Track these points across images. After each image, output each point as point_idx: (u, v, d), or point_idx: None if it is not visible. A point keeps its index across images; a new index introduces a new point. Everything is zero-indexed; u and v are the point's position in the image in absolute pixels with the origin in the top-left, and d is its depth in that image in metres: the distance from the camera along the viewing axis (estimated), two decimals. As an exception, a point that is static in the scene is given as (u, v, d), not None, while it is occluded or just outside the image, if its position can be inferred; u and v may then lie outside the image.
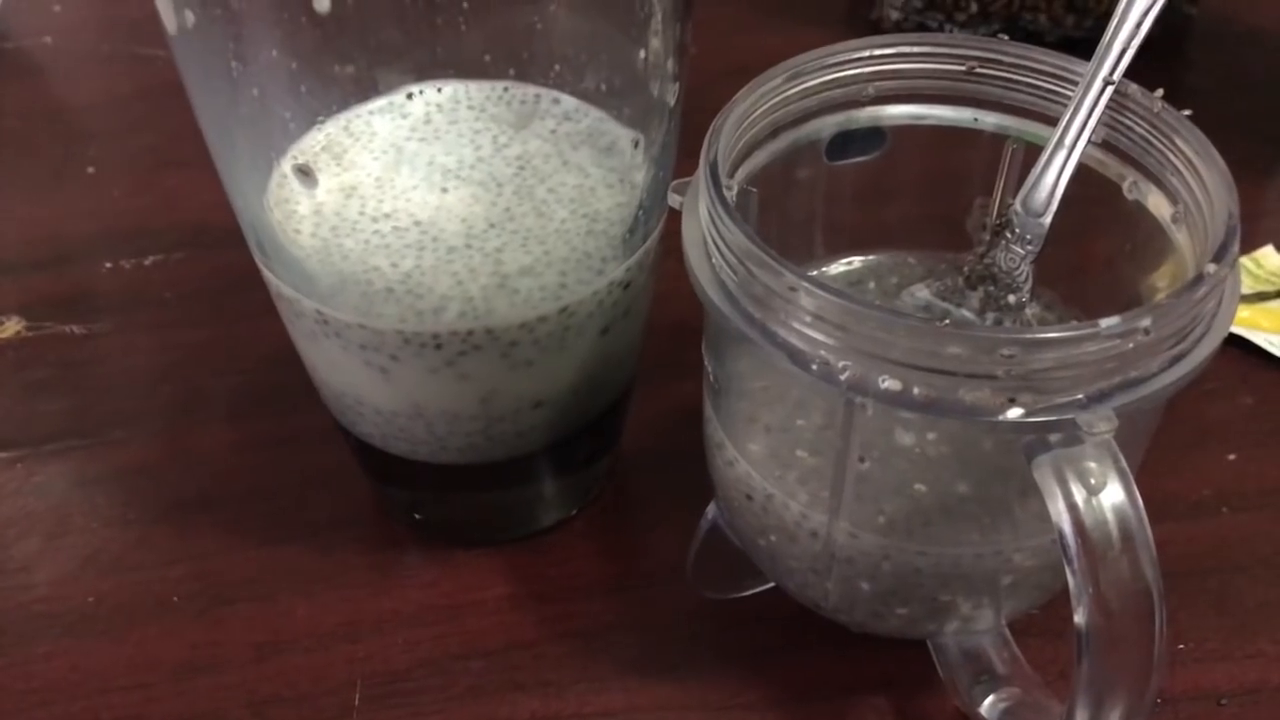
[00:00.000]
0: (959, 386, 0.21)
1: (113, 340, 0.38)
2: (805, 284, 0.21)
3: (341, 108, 0.29)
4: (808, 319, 0.22)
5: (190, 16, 0.25)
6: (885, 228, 0.31)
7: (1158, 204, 0.26)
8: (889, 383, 0.21)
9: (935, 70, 0.28)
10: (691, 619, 0.30)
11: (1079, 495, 0.21)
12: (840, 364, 0.22)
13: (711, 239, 0.24)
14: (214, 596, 0.31)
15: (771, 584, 0.29)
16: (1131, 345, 0.21)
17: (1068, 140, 0.26)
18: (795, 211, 0.30)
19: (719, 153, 0.24)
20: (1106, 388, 0.21)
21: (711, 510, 0.29)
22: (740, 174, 0.26)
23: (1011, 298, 0.28)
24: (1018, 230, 0.27)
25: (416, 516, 0.32)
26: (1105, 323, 0.21)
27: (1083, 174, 0.27)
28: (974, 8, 0.47)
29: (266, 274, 0.27)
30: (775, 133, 0.27)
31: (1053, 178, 0.26)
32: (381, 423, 0.28)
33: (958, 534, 0.25)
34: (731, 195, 0.24)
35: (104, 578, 0.31)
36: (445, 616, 0.30)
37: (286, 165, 0.28)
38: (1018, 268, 0.27)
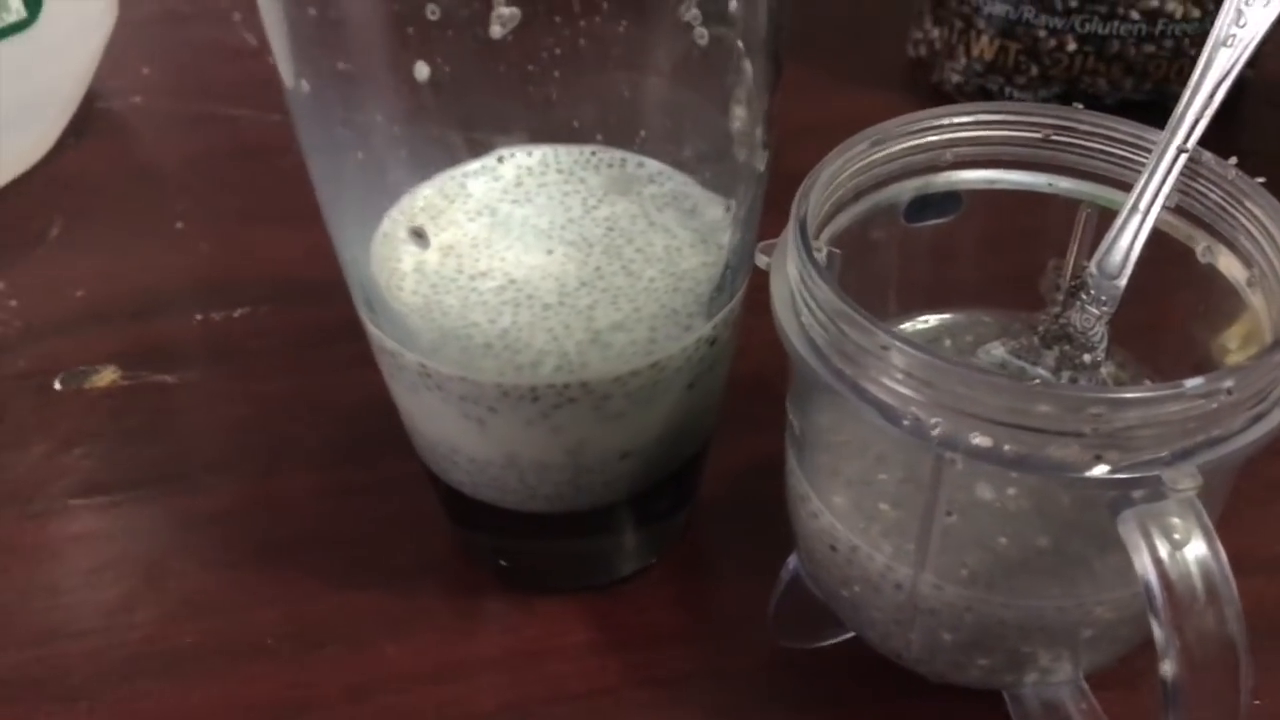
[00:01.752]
0: (1047, 443, 0.22)
1: (203, 389, 0.39)
2: (897, 343, 0.22)
3: (438, 170, 0.31)
4: (899, 376, 0.23)
5: (304, 83, 0.27)
6: (959, 288, 0.32)
7: (1230, 267, 0.27)
8: (979, 439, 0.22)
9: (1012, 137, 0.29)
10: (770, 668, 0.31)
11: (1164, 550, 0.22)
12: (931, 420, 0.22)
13: (802, 298, 0.25)
14: (306, 639, 0.32)
15: (849, 634, 0.30)
16: (1215, 405, 0.22)
17: (1142, 205, 0.27)
18: (872, 271, 0.31)
19: (808, 215, 0.25)
20: (1190, 446, 0.22)
21: (792, 561, 0.30)
22: (824, 235, 0.28)
23: (1087, 357, 0.29)
24: (1093, 292, 0.28)
25: (501, 563, 0.33)
26: (1190, 383, 0.21)
27: (1156, 237, 0.28)
28: (1034, 71, 0.49)
29: (371, 329, 0.29)
30: (857, 196, 0.28)
31: (1127, 241, 0.27)
32: (474, 471, 0.30)
33: (1041, 586, 0.25)
34: (821, 256, 0.25)
35: (201, 619, 0.33)
36: (528, 662, 0.31)
37: (387, 224, 0.30)
38: (1093, 328, 0.28)
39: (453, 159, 0.31)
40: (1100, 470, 0.22)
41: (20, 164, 0.48)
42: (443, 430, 0.29)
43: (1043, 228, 0.30)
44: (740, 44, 0.27)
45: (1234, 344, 0.29)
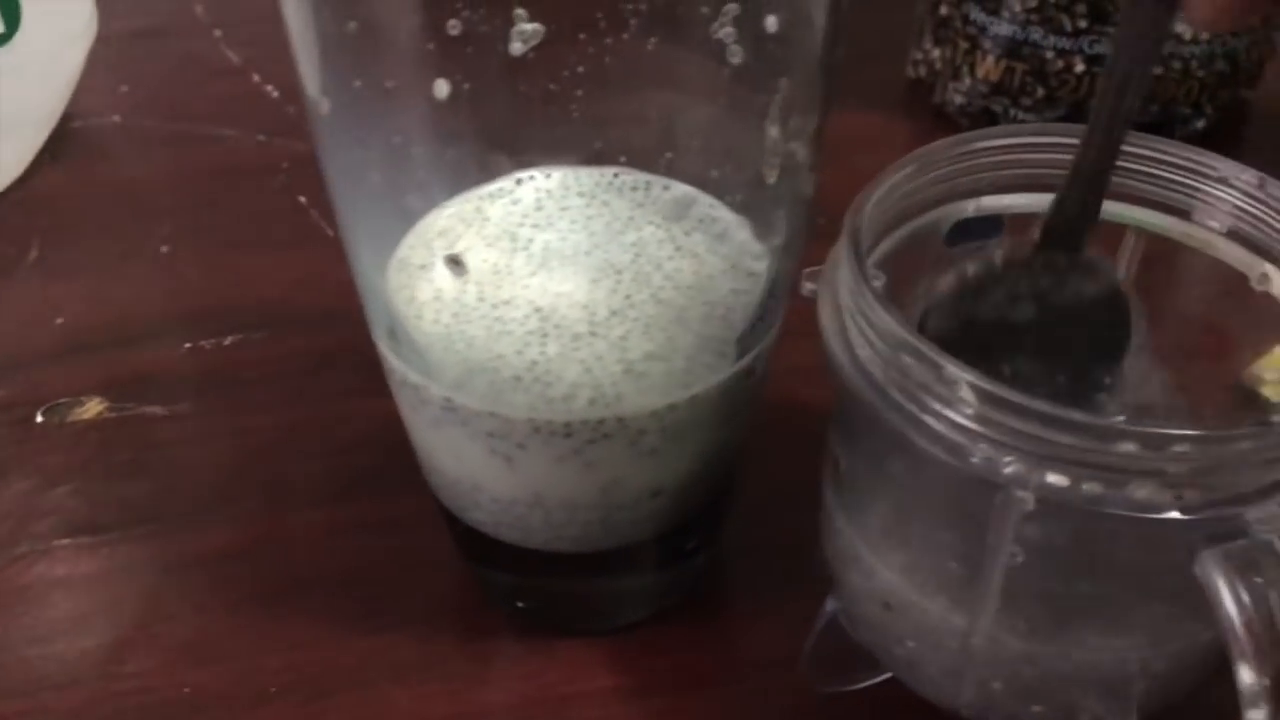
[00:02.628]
0: (1127, 483, 0.21)
1: (196, 422, 0.38)
2: (968, 376, 0.21)
3: (455, 193, 0.29)
4: (969, 412, 0.21)
5: (326, 103, 0.25)
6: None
7: None
8: (1054, 478, 0.21)
9: (1057, 160, 0.28)
10: (801, 712, 0.30)
11: (1247, 593, 0.21)
12: (1003, 458, 0.21)
13: (857, 328, 0.23)
14: (313, 687, 0.30)
15: (884, 675, 0.29)
16: None
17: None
18: (909, 297, 0.30)
19: (861, 239, 0.24)
20: (1273, 484, 0.21)
21: (830, 605, 0.29)
22: (870, 262, 0.26)
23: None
24: None
25: (519, 605, 0.31)
26: (1279, 418, 0.20)
27: (1208, 264, 0.27)
28: (1040, 92, 0.48)
29: (394, 361, 0.27)
30: (901, 221, 0.27)
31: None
32: (497, 511, 0.28)
33: (1101, 638, 0.24)
34: (879, 285, 0.24)
35: (199, 667, 0.31)
36: (551, 709, 0.30)
37: (404, 250, 0.28)
38: None
39: (469, 181, 0.29)
40: (1181, 510, 0.21)
41: (-5, 184, 0.46)
42: (466, 468, 0.28)
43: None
44: (783, 62, 0.26)
45: (1270, 374, 0.28)
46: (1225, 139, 0.50)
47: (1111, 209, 0.28)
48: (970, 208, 0.28)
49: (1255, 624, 0.21)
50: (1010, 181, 0.28)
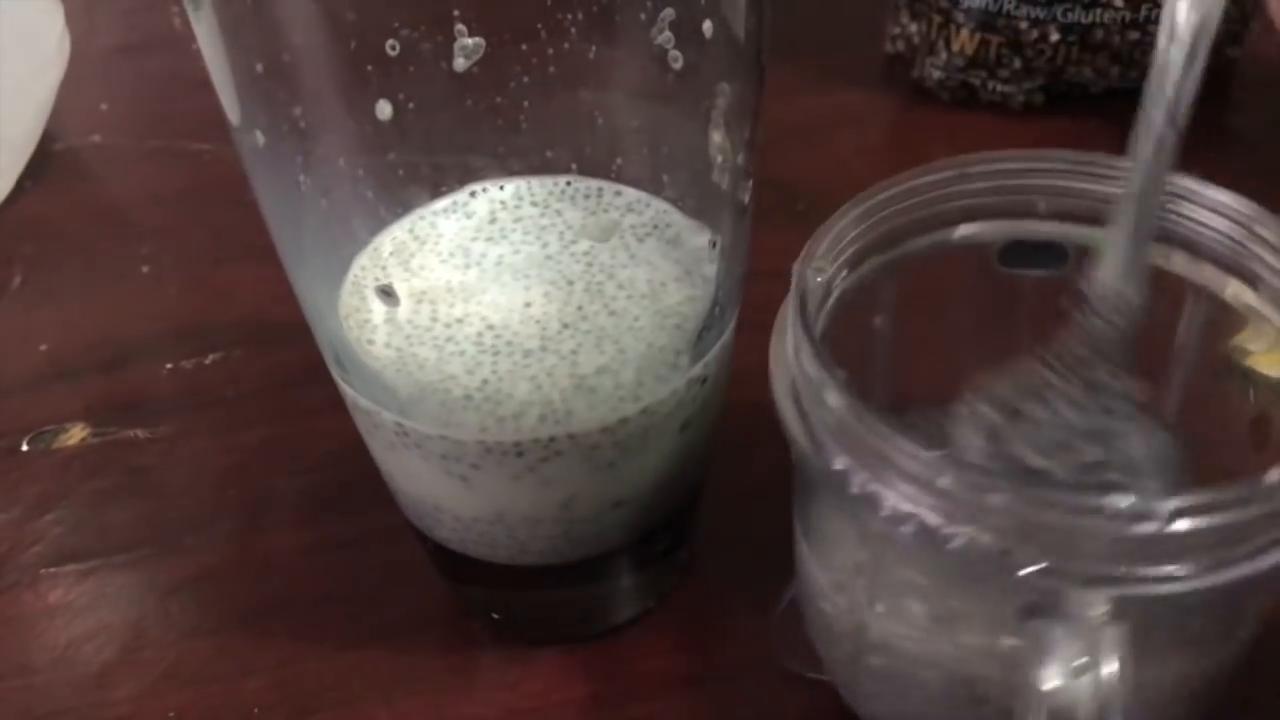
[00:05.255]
0: (953, 523, 0.20)
1: (178, 444, 0.38)
2: (832, 383, 0.21)
3: (406, 211, 0.29)
4: (831, 421, 0.21)
5: (260, 137, 0.25)
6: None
7: (1264, 309, 0.25)
8: (901, 503, 0.20)
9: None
10: (779, 712, 0.30)
11: (1058, 676, 0.19)
12: (855, 475, 0.21)
13: (792, 345, 0.23)
14: (295, 707, 0.30)
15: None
16: (1147, 532, 0.18)
17: (1134, 199, 0.24)
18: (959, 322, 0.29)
19: (808, 281, 0.24)
20: (1110, 573, 0.19)
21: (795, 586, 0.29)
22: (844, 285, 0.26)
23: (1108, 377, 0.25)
24: (1095, 304, 0.25)
25: (494, 616, 0.32)
26: (1120, 500, 0.18)
27: (1176, 285, 0.26)
28: (1017, 64, 0.47)
29: (344, 387, 0.27)
30: (895, 241, 0.27)
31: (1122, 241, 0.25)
32: (461, 528, 0.28)
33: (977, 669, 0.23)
34: (824, 278, 0.23)
35: (183, 690, 0.31)
36: (532, 719, 0.30)
37: (356, 271, 0.28)
38: (1111, 343, 0.25)
39: (421, 199, 0.29)
40: (1008, 568, 0.19)
41: (-24, 214, 0.46)
42: (425, 489, 0.28)
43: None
44: (717, 68, 0.26)
45: (1255, 345, 0.27)
46: (1211, 102, 0.49)
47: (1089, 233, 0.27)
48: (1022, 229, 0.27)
49: (1057, 710, 0.19)
50: (1065, 211, 0.27)
